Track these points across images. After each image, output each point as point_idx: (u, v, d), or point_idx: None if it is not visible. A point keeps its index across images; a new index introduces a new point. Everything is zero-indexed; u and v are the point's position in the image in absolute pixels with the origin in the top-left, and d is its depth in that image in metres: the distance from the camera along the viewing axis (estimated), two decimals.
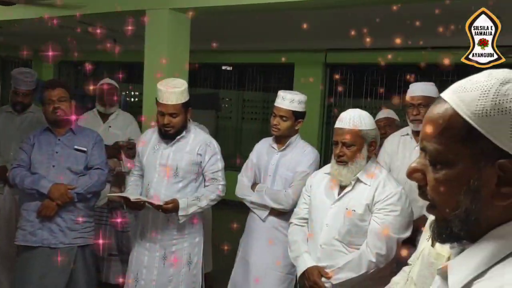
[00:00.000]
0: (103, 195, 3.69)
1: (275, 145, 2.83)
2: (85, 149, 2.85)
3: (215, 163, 2.81)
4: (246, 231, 2.92)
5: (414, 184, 2.19)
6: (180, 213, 2.69)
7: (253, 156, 2.91)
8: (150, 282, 2.79)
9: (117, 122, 4.04)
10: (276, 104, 2.78)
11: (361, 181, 2.18)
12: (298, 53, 6.91)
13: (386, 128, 3.34)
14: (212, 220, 4.28)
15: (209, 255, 4.16)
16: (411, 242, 2.55)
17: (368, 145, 2.17)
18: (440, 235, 0.77)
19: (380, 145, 2.81)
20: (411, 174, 0.80)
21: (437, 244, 1.35)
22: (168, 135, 2.77)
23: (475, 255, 0.71)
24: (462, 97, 0.72)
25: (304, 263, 2.24)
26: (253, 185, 2.85)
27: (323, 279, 2.16)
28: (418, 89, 2.87)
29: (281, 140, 2.80)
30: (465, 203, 0.71)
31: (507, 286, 0.63)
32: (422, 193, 0.80)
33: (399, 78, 6.76)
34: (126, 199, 2.72)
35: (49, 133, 2.86)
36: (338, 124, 2.19)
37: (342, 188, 2.23)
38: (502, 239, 0.69)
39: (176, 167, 2.75)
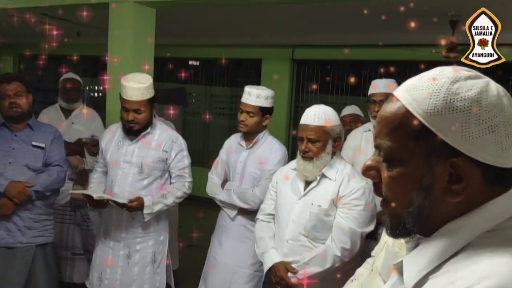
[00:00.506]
0: (65, 193, 3.60)
1: (243, 142, 2.80)
2: (43, 145, 2.76)
3: (181, 159, 2.77)
4: (217, 228, 2.90)
5: None
6: (145, 211, 2.65)
7: (222, 153, 2.89)
8: (114, 282, 2.74)
9: (80, 118, 3.94)
10: (242, 100, 2.76)
11: (326, 177, 2.20)
12: (266, 48, 6.92)
13: (351, 124, 3.39)
14: (178, 217, 4.25)
15: (175, 252, 4.13)
16: (372, 236, 2.61)
17: (333, 141, 2.19)
18: (393, 231, 0.79)
19: (344, 140, 2.85)
20: (366, 171, 0.81)
21: None
22: (133, 132, 2.72)
23: (428, 251, 0.72)
24: (414, 95, 0.73)
25: (271, 259, 2.25)
26: (224, 183, 2.83)
27: (289, 274, 2.18)
28: (379, 86, 2.93)
29: (249, 137, 2.78)
30: (417, 200, 0.72)
31: (461, 280, 0.64)
32: (377, 190, 0.81)
33: (365, 74, 6.87)
34: (89, 197, 2.66)
35: (5, 128, 2.76)
36: (303, 120, 2.21)
37: (307, 183, 2.24)
38: (453, 234, 0.71)
39: (141, 164, 2.71)
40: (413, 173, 0.73)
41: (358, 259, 2.21)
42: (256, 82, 7.11)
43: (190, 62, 8.16)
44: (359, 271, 1.78)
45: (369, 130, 2.97)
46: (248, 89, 2.76)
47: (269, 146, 2.75)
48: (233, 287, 2.69)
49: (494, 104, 0.70)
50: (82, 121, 3.93)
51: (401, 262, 0.77)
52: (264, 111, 2.73)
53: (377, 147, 0.79)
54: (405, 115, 0.73)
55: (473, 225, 0.70)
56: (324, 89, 7.20)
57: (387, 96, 2.68)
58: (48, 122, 3.22)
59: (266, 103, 2.72)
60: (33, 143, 2.74)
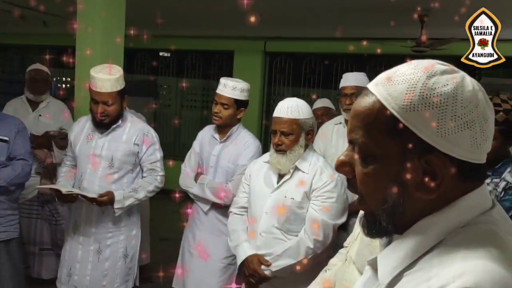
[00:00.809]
0: (32, 187, 3.51)
1: (216, 135, 2.77)
2: (7, 138, 2.66)
3: (153, 153, 2.73)
4: (190, 222, 2.87)
5: None
6: (116, 205, 2.60)
7: (196, 145, 2.85)
8: (84, 277, 2.69)
9: (48, 111, 3.84)
10: (217, 91, 2.72)
11: (299, 169, 2.21)
12: (238, 40, 6.89)
13: (323, 117, 3.42)
14: (150, 211, 4.20)
15: (147, 246, 4.09)
16: (343, 228, 2.65)
17: (306, 134, 2.20)
18: (370, 230, 0.78)
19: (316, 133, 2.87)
20: (339, 167, 0.80)
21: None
22: (103, 124, 2.65)
23: (402, 248, 0.72)
24: (389, 90, 0.71)
25: (244, 251, 2.25)
26: (197, 175, 2.79)
27: (262, 267, 2.19)
28: (350, 79, 2.95)
29: (223, 130, 2.75)
30: (392, 197, 0.71)
31: (435, 278, 0.64)
32: (351, 186, 0.80)
33: (336, 67, 6.94)
34: (58, 192, 2.59)
35: None
36: (276, 113, 2.21)
37: (280, 176, 2.25)
38: (427, 230, 0.70)
39: (111, 157, 2.65)
40: (388, 170, 0.71)
41: (330, 251, 2.24)
42: (228, 74, 7.06)
43: (161, 54, 8.05)
44: (332, 261, 1.79)
45: (340, 123, 3.01)
46: (223, 80, 2.73)
47: (243, 140, 2.73)
48: (207, 280, 2.68)
49: (469, 100, 0.69)
50: (50, 113, 3.82)
51: (376, 258, 0.77)
52: (239, 104, 2.70)
53: (351, 142, 0.77)
54: (380, 110, 0.71)
55: (446, 221, 0.70)
56: (296, 82, 7.23)
57: (358, 89, 2.73)
58: (14, 114, 3.11)
59: (241, 96, 2.70)
60: None
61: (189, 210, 2.90)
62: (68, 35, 4.10)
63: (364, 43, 5.33)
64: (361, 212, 0.80)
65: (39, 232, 3.74)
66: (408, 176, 0.70)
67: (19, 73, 8.55)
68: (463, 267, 0.63)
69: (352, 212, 2.59)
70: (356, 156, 0.76)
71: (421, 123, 0.68)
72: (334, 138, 2.97)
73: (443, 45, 4.74)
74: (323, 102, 3.68)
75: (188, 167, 2.83)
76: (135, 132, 2.70)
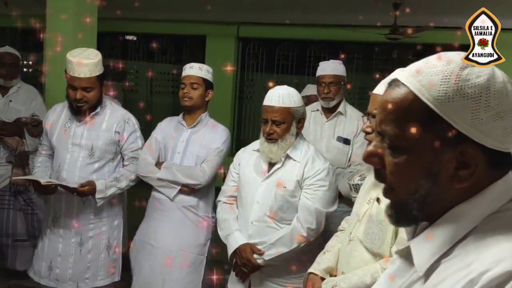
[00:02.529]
0: (3, 177, 3.38)
1: (184, 122, 2.69)
2: None
3: (134, 141, 2.65)
4: (150, 213, 2.72)
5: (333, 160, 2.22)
6: (98, 195, 2.52)
7: (156, 134, 2.73)
8: (66, 271, 2.61)
9: (18, 96, 3.68)
10: (184, 74, 2.64)
11: (290, 158, 2.21)
12: (211, 25, 6.79)
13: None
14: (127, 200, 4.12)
15: (125, 236, 4.02)
16: None
17: (297, 122, 2.20)
18: (399, 219, 0.79)
19: None
20: (368, 157, 0.80)
21: (384, 203, 1.42)
22: (81, 112, 2.55)
23: (436, 235, 0.74)
24: (422, 81, 0.72)
25: (236, 241, 2.24)
26: (157, 164, 2.66)
27: (255, 255, 2.18)
28: (328, 68, 2.96)
29: (191, 115, 2.66)
30: (424, 186, 0.73)
31: (475, 263, 0.66)
32: (379, 176, 0.80)
33: (309, 53, 6.95)
34: (36, 183, 2.48)
35: None
36: (267, 102, 2.19)
37: (271, 165, 2.24)
38: (460, 218, 0.72)
39: (91, 146, 2.56)
40: (421, 160, 0.73)
41: (321, 238, 2.27)
42: (201, 59, 6.94)
43: (130, 37, 7.83)
44: (330, 243, 1.82)
45: (317, 110, 3.04)
46: (188, 64, 2.68)
47: (213, 127, 2.68)
48: (175, 271, 2.58)
49: (501, 91, 0.71)
50: (21, 99, 3.67)
51: (406, 248, 0.79)
52: (207, 85, 2.64)
53: (380, 133, 0.78)
54: (413, 101, 0.72)
55: (478, 209, 0.72)
56: (269, 68, 7.21)
57: (336, 78, 2.80)
58: None
59: (208, 76, 2.64)
60: None
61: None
62: (32, 15, 3.91)
63: (336, 29, 5.38)
64: (387, 201, 0.81)
65: (12, 223, 3.61)
66: (441, 166, 0.72)
67: None
68: (502, 252, 0.65)
69: None
70: (386, 147, 0.77)
71: (456, 114, 0.70)
72: (312, 124, 2.99)
73: (417, 33, 4.82)
74: (313, 90, 3.66)
75: (148, 155, 2.66)
76: (115, 119, 2.62)
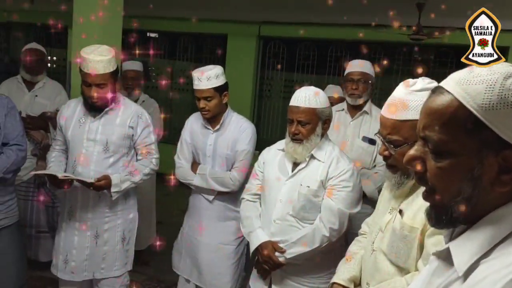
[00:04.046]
0: (29, 169, 3.44)
1: (208, 125, 2.73)
2: None
3: (148, 136, 2.68)
4: (191, 210, 2.86)
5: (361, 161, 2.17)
6: (113, 189, 2.55)
7: (186, 135, 2.80)
8: (82, 263, 2.66)
9: (44, 91, 3.76)
10: (195, 87, 2.65)
11: (315, 158, 2.21)
12: (232, 24, 6.81)
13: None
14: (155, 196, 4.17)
15: (153, 231, 4.08)
16: None
17: (323, 123, 2.20)
18: (439, 221, 0.81)
19: None
20: (410, 161, 0.84)
21: (407, 216, 1.42)
22: (95, 108, 2.58)
23: (476, 237, 0.76)
24: (467, 89, 0.76)
25: (258, 238, 2.26)
26: (193, 164, 2.77)
27: (276, 253, 2.20)
28: (357, 65, 2.98)
29: (214, 119, 2.71)
30: (467, 190, 0.76)
31: None
32: (421, 179, 0.83)
33: (330, 53, 6.92)
34: (53, 177, 2.51)
35: None
36: (293, 102, 2.19)
37: (295, 164, 2.25)
38: (500, 220, 0.75)
39: (106, 141, 2.59)
40: (464, 165, 0.76)
41: (343, 239, 2.27)
42: (221, 58, 7.00)
43: (153, 35, 7.89)
44: (352, 249, 1.80)
45: (343, 109, 3.02)
46: (195, 74, 2.64)
47: (238, 126, 2.71)
48: (219, 263, 2.72)
49: None
50: (46, 94, 3.75)
51: (446, 249, 0.81)
52: (221, 90, 2.66)
53: (423, 138, 0.81)
54: (458, 108, 0.76)
55: None
56: (289, 67, 7.20)
57: (365, 76, 2.76)
58: (9, 95, 3.00)
59: (218, 82, 2.64)
60: None
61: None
62: (57, 12, 3.96)
63: (358, 29, 5.34)
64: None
65: (36, 215, 3.69)
66: (484, 170, 0.74)
67: (4, 51, 8.32)
68: None
69: None
70: (429, 152, 0.80)
71: (499, 121, 0.73)
72: (336, 124, 2.96)
73: (441, 34, 4.77)
74: (338, 91, 3.66)
75: (182, 159, 2.79)
76: (129, 114, 2.64)
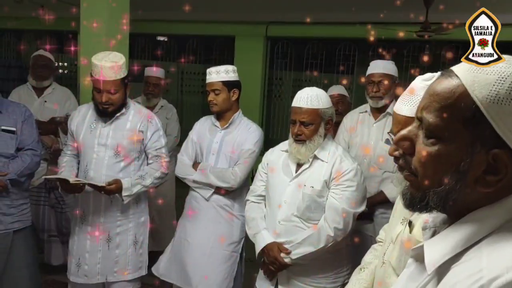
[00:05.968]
0: (40, 174, 3.48)
1: (217, 123, 2.76)
2: (14, 129, 2.60)
3: (158, 139, 2.70)
4: (187, 211, 2.81)
5: (370, 162, 2.18)
6: (124, 193, 2.58)
7: (193, 135, 2.82)
8: (95, 266, 2.69)
9: (53, 97, 3.82)
10: (206, 81, 2.71)
11: (318, 158, 2.21)
12: (239, 25, 6.82)
13: (338, 105, 3.36)
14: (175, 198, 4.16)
15: (173, 232, 4.07)
16: (369, 217, 2.64)
17: (325, 123, 2.20)
18: (412, 205, 0.78)
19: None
20: (399, 140, 0.79)
21: (416, 230, 1.36)
22: (106, 113, 2.61)
23: (451, 237, 0.72)
24: (477, 77, 0.71)
25: (263, 239, 2.26)
26: (194, 164, 2.77)
27: (282, 254, 2.19)
28: (379, 67, 2.85)
29: (223, 116, 2.73)
30: (449, 182, 0.72)
31: (486, 270, 0.64)
32: (404, 161, 0.79)
33: (338, 52, 6.90)
34: (64, 182, 2.54)
35: None
36: (295, 103, 2.19)
37: (299, 165, 2.25)
38: (478, 222, 0.71)
39: (117, 146, 2.62)
40: (453, 155, 0.71)
41: (348, 238, 2.26)
42: (230, 59, 7.02)
43: (162, 38, 7.94)
44: (366, 259, 1.76)
45: (366, 111, 2.91)
46: (209, 69, 2.72)
47: (246, 127, 2.72)
48: (210, 268, 2.66)
49: None
50: (55, 99, 3.81)
51: (420, 248, 0.77)
52: (230, 86, 2.67)
53: (419, 119, 0.76)
54: (461, 95, 0.71)
55: (499, 215, 0.70)
56: (297, 67, 7.19)
57: (386, 77, 2.63)
58: (19, 101, 3.06)
59: (228, 77, 2.67)
60: (3, 127, 2.58)
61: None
62: (65, 19, 3.99)
63: (365, 27, 5.31)
64: (405, 183, 0.80)
65: (47, 219, 3.74)
66: (471, 165, 0.70)
67: (14, 58, 8.44)
68: None
69: (376, 203, 2.60)
70: (420, 134, 0.76)
71: (501, 118, 0.68)
72: (359, 127, 2.89)
73: (448, 30, 4.72)
74: (338, 89, 3.63)
75: (185, 156, 2.80)
76: (139, 119, 2.67)
